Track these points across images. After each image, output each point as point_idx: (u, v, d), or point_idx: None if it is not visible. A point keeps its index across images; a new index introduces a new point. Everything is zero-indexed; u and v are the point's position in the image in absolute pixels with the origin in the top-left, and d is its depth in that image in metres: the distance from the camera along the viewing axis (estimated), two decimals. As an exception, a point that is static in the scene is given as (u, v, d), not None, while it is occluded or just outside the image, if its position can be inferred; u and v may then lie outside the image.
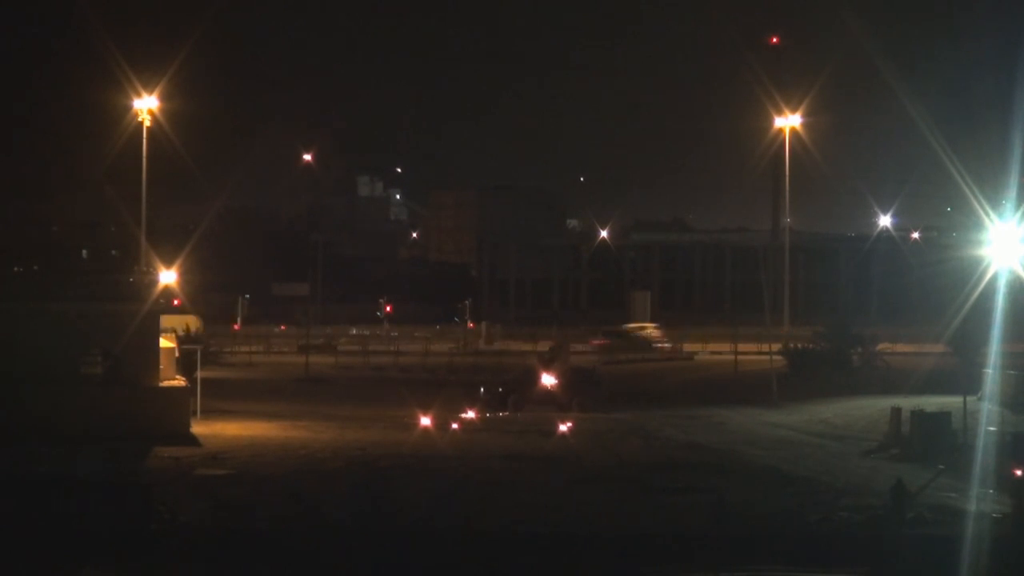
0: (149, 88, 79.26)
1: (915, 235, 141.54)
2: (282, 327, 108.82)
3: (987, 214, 64.14)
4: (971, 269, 62.10)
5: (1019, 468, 40.54)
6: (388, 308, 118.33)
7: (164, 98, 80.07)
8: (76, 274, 77.08)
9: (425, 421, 58.28)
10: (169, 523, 36.50)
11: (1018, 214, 59.52)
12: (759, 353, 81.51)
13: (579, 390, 65.54)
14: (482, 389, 66.45)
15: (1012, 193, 73.95)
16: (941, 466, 46.89)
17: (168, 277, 68.24)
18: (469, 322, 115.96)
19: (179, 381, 58.32)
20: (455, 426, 57.94)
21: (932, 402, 56.62)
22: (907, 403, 54.89)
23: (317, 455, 49.23)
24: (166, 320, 63.09)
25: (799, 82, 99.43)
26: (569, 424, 57.75)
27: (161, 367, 56.62)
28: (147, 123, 78.43)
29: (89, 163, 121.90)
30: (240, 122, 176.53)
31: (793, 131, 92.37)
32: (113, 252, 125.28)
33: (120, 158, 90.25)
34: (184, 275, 77.43)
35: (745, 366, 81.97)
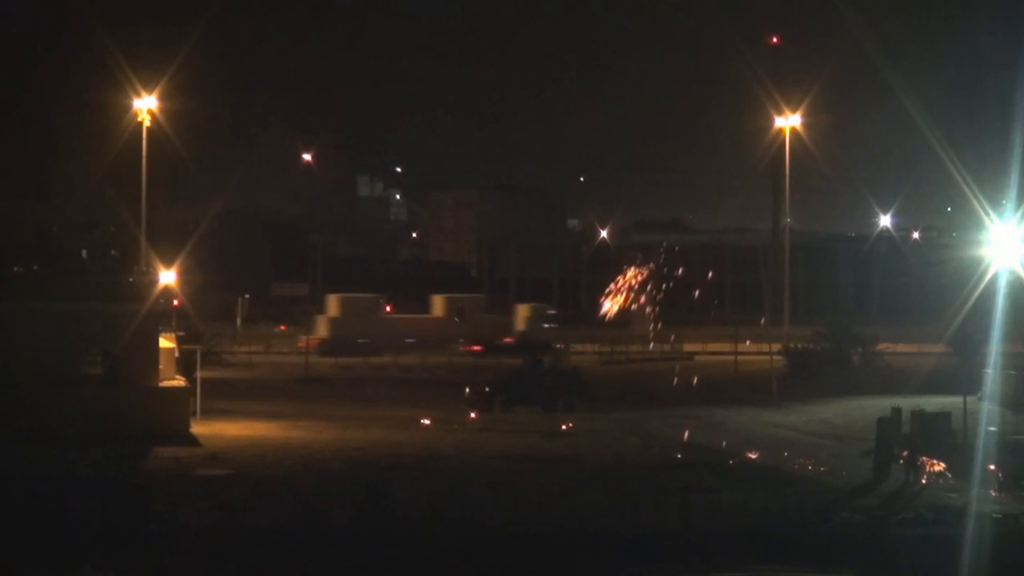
0: (149, 88, 79.22)
1: (915, 235, 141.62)
2: (282, 327, 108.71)
3: (987, 214, 64.20)
4: (971, 269, 62.20)
5: None
6: (388, 308, 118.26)
7: (164, 98, 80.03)
8: (76, 274, 76.92)
9: (425, 421, 58.24)
10: (169, 523, 36.49)
11: (1018, 214, 59.62)
12: (759, 353, 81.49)
13: (565, 390, 65.26)
14: (467, 389, 66.05)
15: (1012, 193, 73.94)
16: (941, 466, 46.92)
17: (168, 277, 68.16)
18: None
19: (179, 381, 58.32)
20: (455, 426, 57.90)
21: (932, 402, 56.64)
22: (907, 403, 54.88)
23: (317, 455, 49.24)
24: None
25: (799, 82, 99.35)
26: (569, 424, 57.68)
27: (161, 367, 56.63)
28: (147, 123, 78.41)
29: (89, 163, 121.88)
30: (240, 122, 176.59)
31: (793, 131, 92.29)
32: (113, 252, 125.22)
33: (120, 158, 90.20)
34: (184, 275, 77.31)
35: (745, 366, 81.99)
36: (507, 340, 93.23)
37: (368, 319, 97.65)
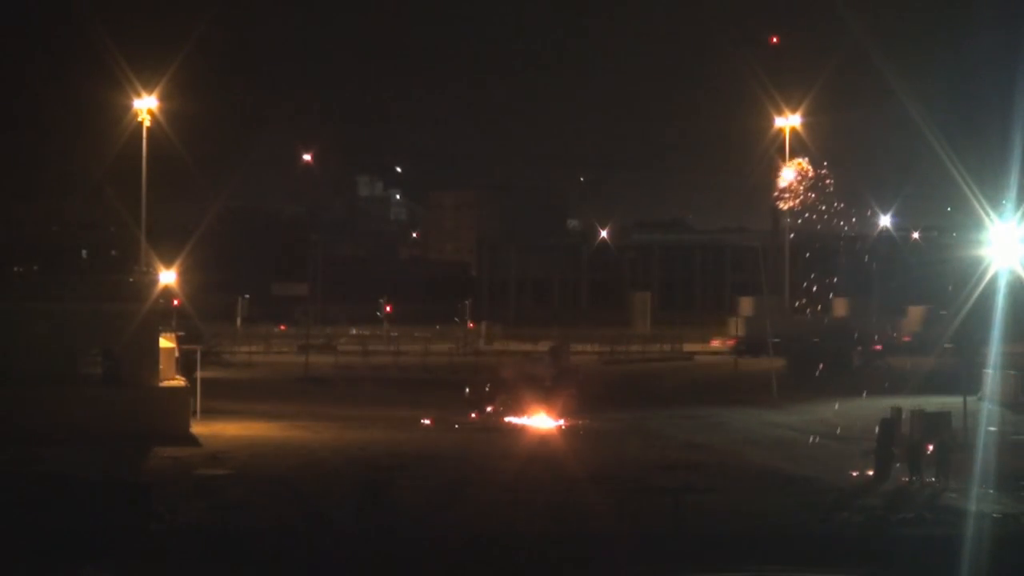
0: (149, 88, 79.29)
1: (915, 235, 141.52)
2: (282, 327, 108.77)
3: (987, 214, 64.14)
4: (971, 269, 62.16)
5: None
6: (388, 308, 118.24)
7: (164, 98, 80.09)
8: (76, 274, 76.98)
9: (425, 421, 58.21)
10: (169, 523, 36.52)
11: (1018, 214, 59.59)
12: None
13: (565, 391, 65.02)
14: (467, 389, 65.92)
15: (1012, 193, 73.92)
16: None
17: (168, 277, 68.17)
18: (469, 322, 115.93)
19: (179, 381, 58.33)
20: (455, 426, 57.89)
21: (932, 402, 56.64)
22: (907, 403, 54.88)
23: (317, 455, 49.26)
24: None
25: (799, 82, 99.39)
26: (569, 424, 57.66)
27: (161, 367, 56.67)
28: (147, 123, 78.44)
29: (89, 163, 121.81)
30: (240, 122, 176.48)
31: (793, 131, 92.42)
32: (113, 252, 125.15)
33: (120, 158, 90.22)
34: (184, 275, 77.31)
35: (745, 366, 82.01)
36: (905, 339, 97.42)
37: (779, 319, 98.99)
